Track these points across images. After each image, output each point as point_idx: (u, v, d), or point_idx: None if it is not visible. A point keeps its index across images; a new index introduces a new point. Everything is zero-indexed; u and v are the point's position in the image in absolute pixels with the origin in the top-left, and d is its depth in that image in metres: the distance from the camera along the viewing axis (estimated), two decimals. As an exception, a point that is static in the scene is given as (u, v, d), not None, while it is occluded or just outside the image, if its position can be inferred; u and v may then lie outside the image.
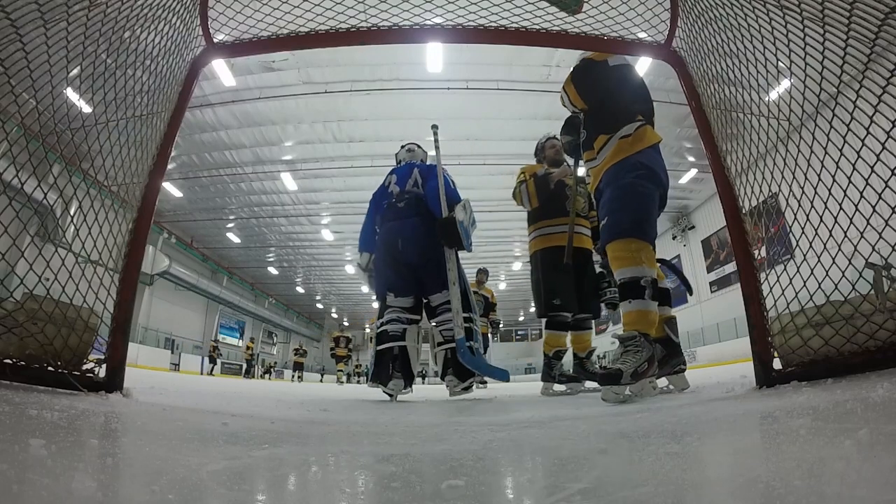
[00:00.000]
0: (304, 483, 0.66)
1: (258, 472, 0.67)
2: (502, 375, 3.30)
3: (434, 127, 3.66)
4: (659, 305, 2.20)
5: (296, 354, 20.01)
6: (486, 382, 6.28)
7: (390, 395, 3.05)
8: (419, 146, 3.94)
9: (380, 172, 13.33)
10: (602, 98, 2.28)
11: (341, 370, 15.30)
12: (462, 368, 3.02)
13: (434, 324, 3.22)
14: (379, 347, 3.12)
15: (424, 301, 3.28)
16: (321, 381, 23.23)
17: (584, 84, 2.34)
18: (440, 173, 3.23)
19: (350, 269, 22.75)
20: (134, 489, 0.55)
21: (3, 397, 1.08)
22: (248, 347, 22.05)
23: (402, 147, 3.94)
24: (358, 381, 20.74)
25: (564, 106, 2.51)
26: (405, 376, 3.06)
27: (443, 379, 3.21)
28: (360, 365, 25.49)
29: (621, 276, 1.96)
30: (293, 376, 19.23)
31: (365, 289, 27.18)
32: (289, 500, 0.58)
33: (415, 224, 3.19)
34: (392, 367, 3.03)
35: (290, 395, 3.42)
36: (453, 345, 3.02)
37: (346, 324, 35.92)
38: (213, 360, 20.43)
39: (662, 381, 2.66)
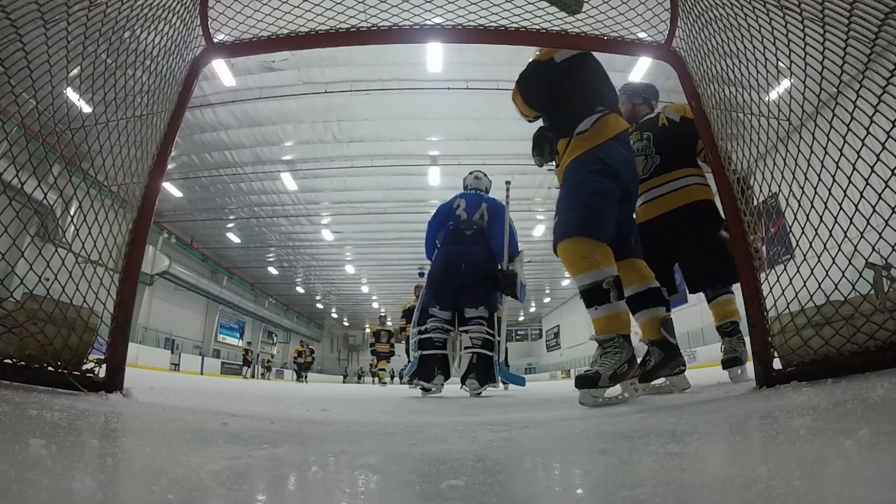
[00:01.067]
0: (304, 483, 0.66)
1: (258, 472, 0.67)
2: (521, 382, 4.35)
3: (507, 182, 4.17)
4: (653, 307, 2.12)
5: (300, 355, 19.20)
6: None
7: (427, 390, 3.63)
8: (485, 174, 4.40)
9: (379, 172, 13.47)
10: (554, 100, 2.16)
11: (383, 369, 13.51)
12: (482, 374, 3.60)
13: (464, 330, 3.79)
14: (425, 352, 3.70)
15: (457, 312, 3.89)
16: (344, 380, 22.69)
17: (530, 91, 2.23)
18: (507, 225, 3.81)
19: (350, 269, 22.75)
20: (134, 489, 0.55)
21: (3, 397, 1.08)
22: (297, 352, 20.18)
23: (470, 173, 4.42)
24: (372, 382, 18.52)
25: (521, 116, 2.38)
26: (444, 374, 3.71)
27: (463, 381, 3.72)
28: (362, 367, 26.03)
29: (581, 283, 1.85)
30: (301, 377, 18.70)
31: (365, 289, 26.93)
32: (289, 500, 0.58)
33: (478, 252, 3.79)
34: (436, 368, 3.65)
35: (289, 395, 3.42)
36: (480, 350, 3.64)
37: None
38: (247, 363, 20.17)
39: (662, 381, 2.62)
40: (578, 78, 2.18)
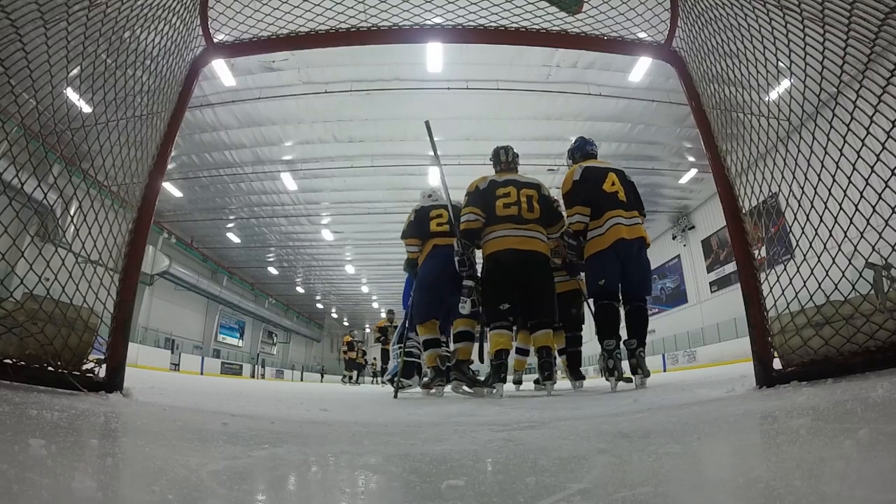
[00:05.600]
0: (304, 483, 0.66)
1: (258, 472, 0.67)
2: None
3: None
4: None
5: (350, 349, 15.25)
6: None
7: (409, 386, 4.45)
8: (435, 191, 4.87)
9: (380, 172, 13.44)
10: None
11: (351, 376, 12.40)
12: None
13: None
14: (407, 359, 4.60)
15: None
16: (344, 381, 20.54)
17: None
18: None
19: (350, 269, 22.74)
20: (134, 489, 0.55)
21: (3, 397, 1.08)
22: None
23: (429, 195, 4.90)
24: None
25: None
26: (419, 375, 4.56)
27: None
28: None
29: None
30: (345, 378, 14.86)
31: (365, 289, 26.77)
32: (289, 500, 0.58)
33: None
34: (414, 370, 4.52)
35: (289, 395, 3.42)
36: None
37: (346, 323, 35.91)
38: (356, 367, 15.50)
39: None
40: None
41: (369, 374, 15.51)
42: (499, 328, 3.10)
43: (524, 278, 3.08)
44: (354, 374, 14.86)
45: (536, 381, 4.07)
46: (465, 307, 3.23)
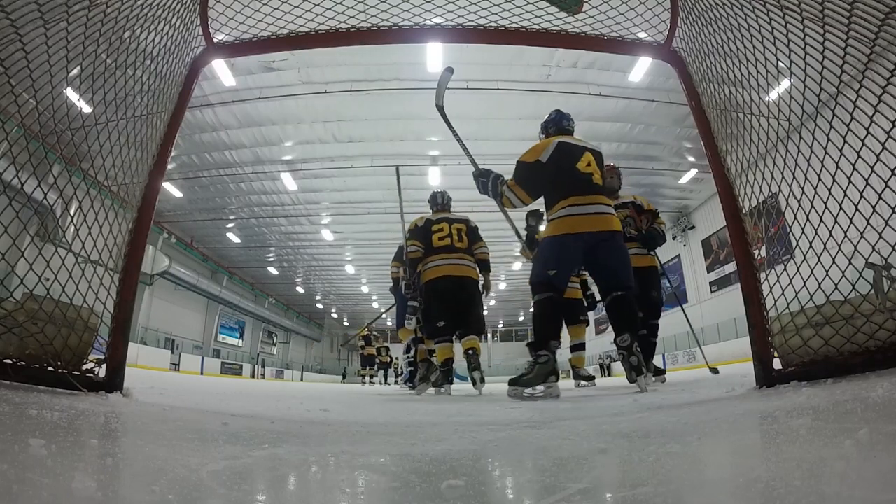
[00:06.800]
0: (304, 483, 0.66)
1: (258, 472, 0.67)
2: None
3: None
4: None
5: (367, 344, 13.30)
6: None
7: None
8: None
9: (380, 173, 13.45)
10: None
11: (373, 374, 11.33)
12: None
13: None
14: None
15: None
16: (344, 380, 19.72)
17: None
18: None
19: (350, 269, 22.76)
20: (134, 489, 0.55)
21: (3, 397, 1.08)
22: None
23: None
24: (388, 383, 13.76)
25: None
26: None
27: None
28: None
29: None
30: (364, 378, 13.09)
31: (365, 289, 26.82)
32: (289, 500, 0.58)
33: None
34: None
35: (289, 395, 3.42)
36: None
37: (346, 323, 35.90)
38: (380, 365, 13.60)
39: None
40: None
41: (391, 375, 13.97)
42: (443, 342, 3.95)
43: (457, 298, 3.88)
44: (379, 373, 13.30)
45: (581, 377, 4.41)
46: (410, 323, 4.16)
